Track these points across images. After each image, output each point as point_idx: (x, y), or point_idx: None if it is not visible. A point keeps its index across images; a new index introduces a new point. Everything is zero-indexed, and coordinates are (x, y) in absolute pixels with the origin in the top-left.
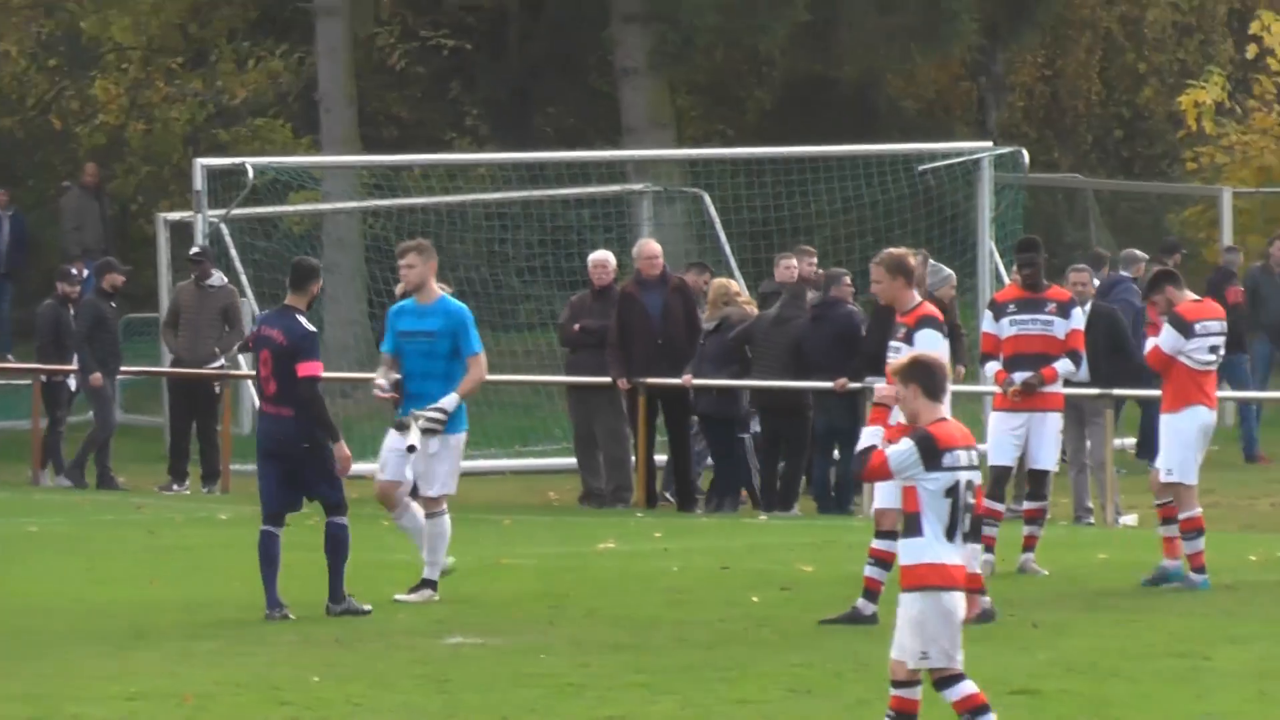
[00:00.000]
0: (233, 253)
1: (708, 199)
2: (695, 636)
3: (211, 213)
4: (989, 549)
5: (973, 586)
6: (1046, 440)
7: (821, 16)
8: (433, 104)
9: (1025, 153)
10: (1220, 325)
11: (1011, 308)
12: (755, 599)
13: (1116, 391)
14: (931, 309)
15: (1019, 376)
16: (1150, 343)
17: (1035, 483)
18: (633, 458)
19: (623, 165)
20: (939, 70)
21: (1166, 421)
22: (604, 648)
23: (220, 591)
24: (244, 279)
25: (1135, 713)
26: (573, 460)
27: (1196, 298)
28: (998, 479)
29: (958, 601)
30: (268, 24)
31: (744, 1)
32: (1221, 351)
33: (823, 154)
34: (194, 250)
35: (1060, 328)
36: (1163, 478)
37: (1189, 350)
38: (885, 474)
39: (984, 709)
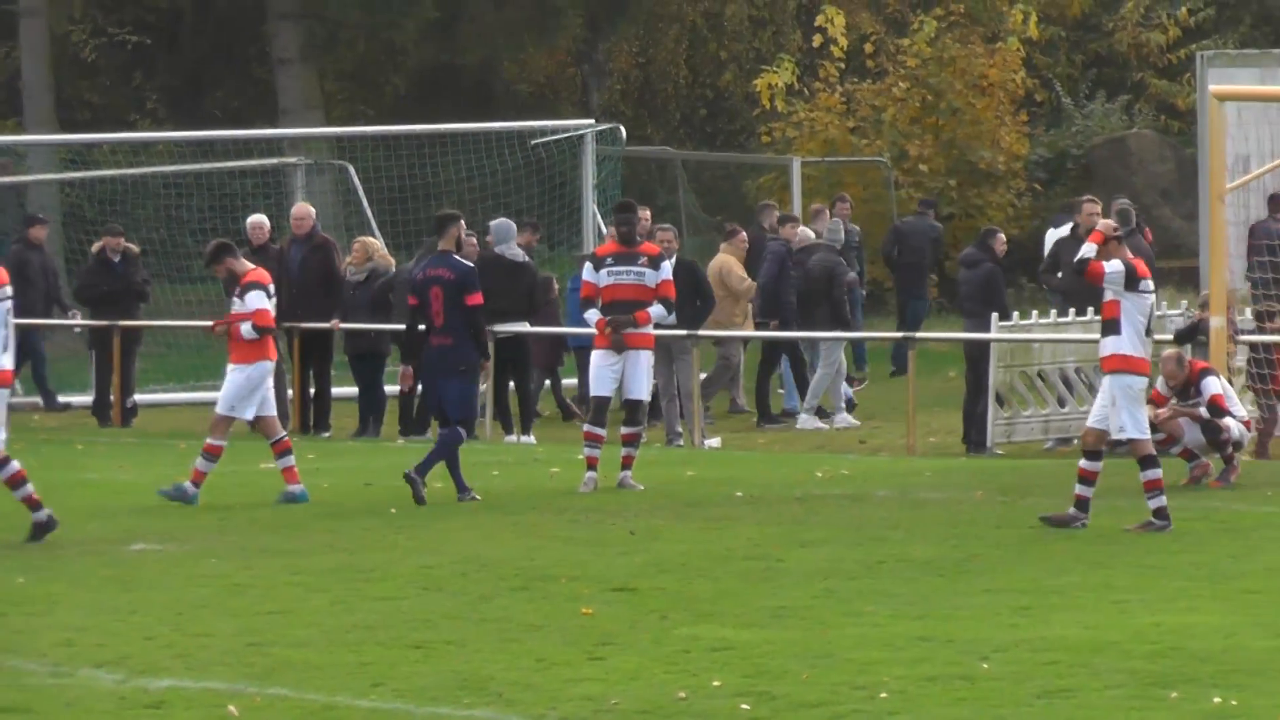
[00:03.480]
0: None
1: (352, 170)
2: (342, 543)
3: None
4: (593, 468)
5: None
6: (640, 374)
7: (448, 12)
8: (119, 90)
9: (623, 129)
10: None
11: (609, 260)
12: (393, 510)
13: (700, 333)
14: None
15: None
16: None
17: (631, 410)
18: (290, 391)
19: (280, 142)
20: (548, 58)
21: None
22: (265, 552)
23: None
24: None
25: (718, 607)
26: None
27: None
28: (598, 408)
29: None
30: None
31: (382, 0)
32: None
33: (450, 131)
34: None
35: (651, 278)
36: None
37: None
38: None
39: None
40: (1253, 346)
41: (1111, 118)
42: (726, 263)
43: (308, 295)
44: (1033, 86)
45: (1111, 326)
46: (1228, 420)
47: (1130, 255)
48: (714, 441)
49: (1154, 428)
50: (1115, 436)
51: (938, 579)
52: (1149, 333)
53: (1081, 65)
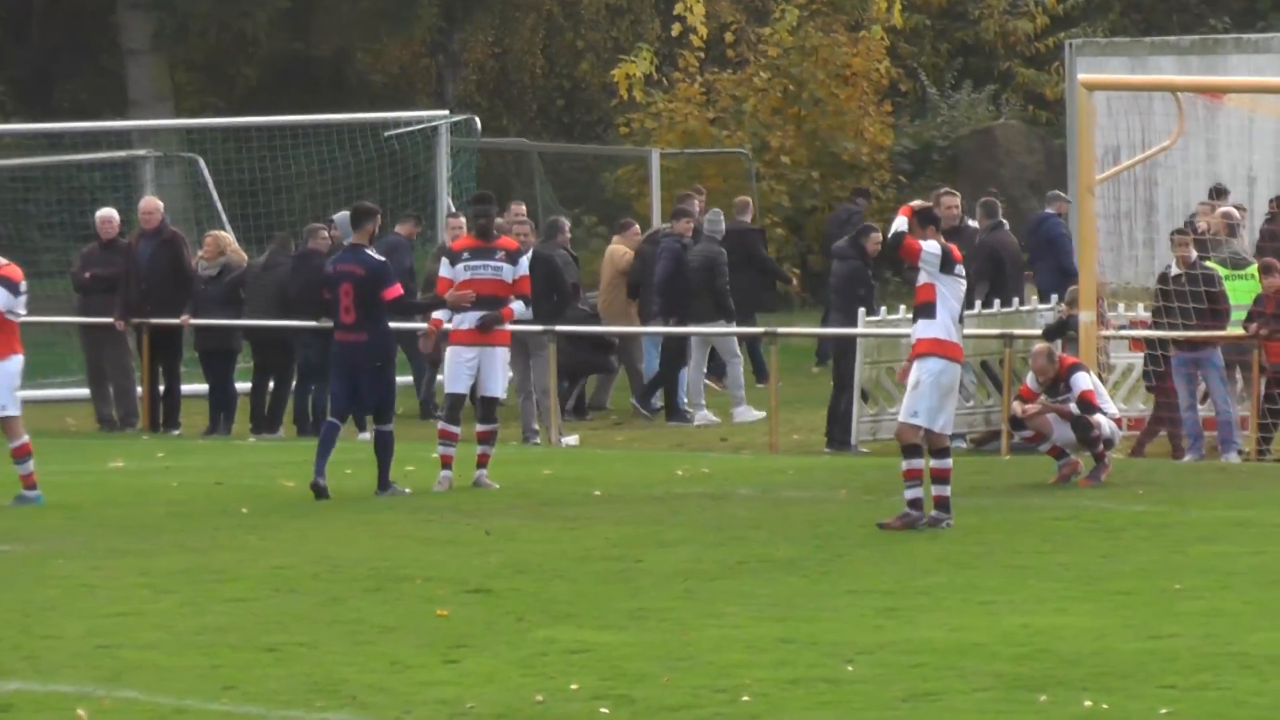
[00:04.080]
0: None
1: (202, 163)
2: (192, 543)
3: None
4: (448, 466)
5: None
6: (496, 371)
7: (300, 2)
8: None
9: (478, 120)
10: None
11: (466, 255)
12: (245, 510)
13: (558, 328)
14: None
15: (476, 315)
16: None
17: (486, 408)
18: (139, 388)
19: (129, 134)
20: (402, 48)
21: None
22: (114, 553)
23: None
24: None
25: (576, 609)
26: (86, 391)
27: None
28: (453, 405)
29: None
30: None
31: None
32: None
33: (302, 122)
34: None
35: (509, 273)
36: None
37: None
38: None
39: None
40: (1149, 344)
41: (978, 108)
42: (618, 251)
43: (157, 290)
44: (897, 76)
45: (926, 310)
46: (1098, 417)
47: (941, 241)
48: (571, 439)
49: (1022, 424)
50: (905, 419)
51: (800, 579)
52: (961, 320)
53: (947, 54)
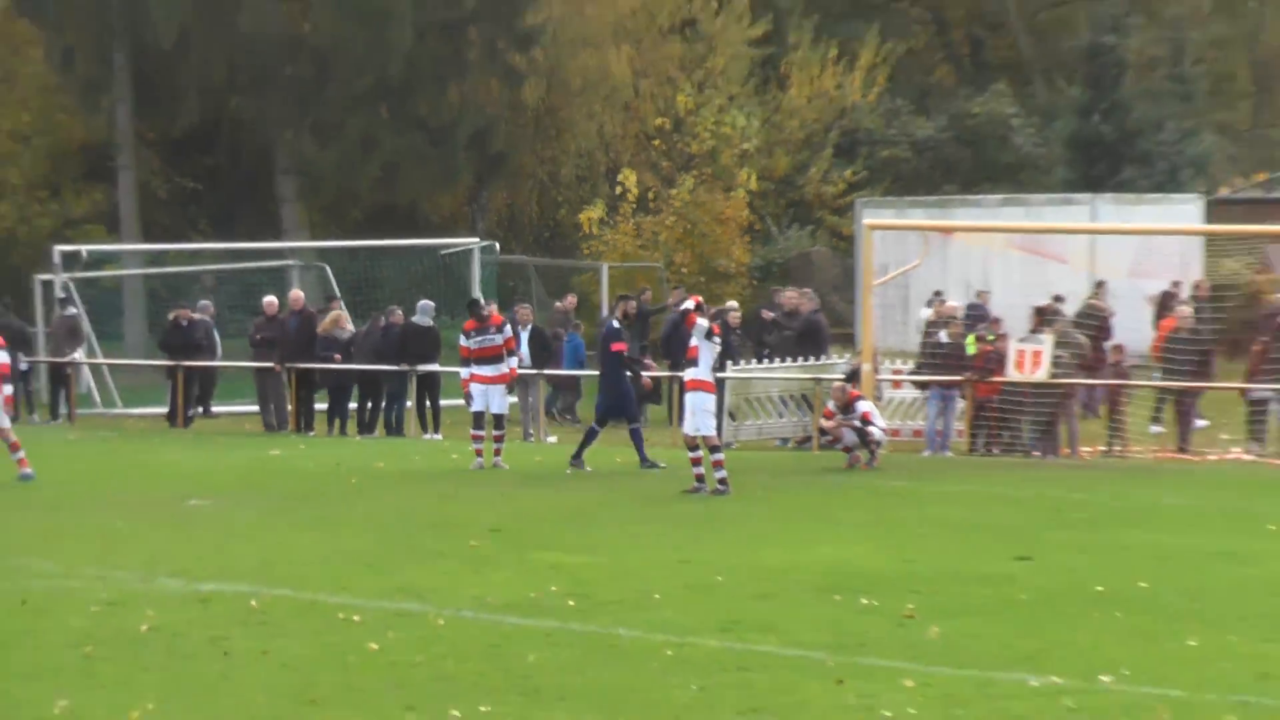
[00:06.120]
0: None
1: (328, 269)
2: (321, 501)
3: None
4: (479, 455)
5: None
6: (498, 398)
7: (388, 170)
8: (181, 216)
9: (497, 245)
10: None
11: (474, 332)
12: (354, 480)
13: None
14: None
15: (493, 369)
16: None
17: (496, 421)
18: (288, 406)
19: (283, 251)
20: (451, 199)
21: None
22: (272, 509)
23: None
24: None
25: (554, 542)
26: (257, 407)
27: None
28: (477, 419)
29: None
30: None
31: (346, 161)
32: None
33: (388, 245)
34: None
35: (500, 338)
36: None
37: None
38: None
39: None
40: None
41: (802, 239)
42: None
43: (300, 347)
44: (753, 219)
45: (693, 362)
46: (872, 429)
47: (709, 320)
48: (553, 439)
49: (825, 432)
50: (690, 433)
51: (692, 526)
52: (715, 369)
53: (784, 206)
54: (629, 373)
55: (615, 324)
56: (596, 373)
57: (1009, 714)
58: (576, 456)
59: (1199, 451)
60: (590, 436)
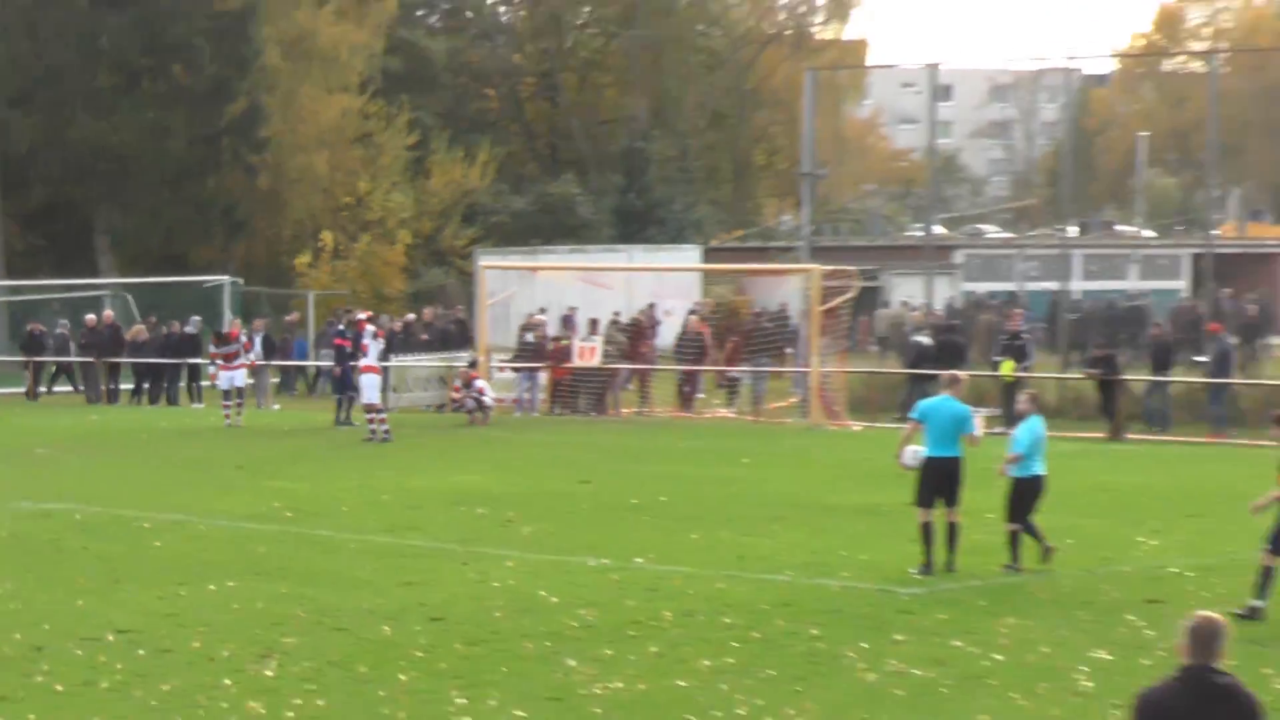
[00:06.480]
0: None
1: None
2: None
3: None
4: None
5: None
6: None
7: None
8: None
9: None
10: None
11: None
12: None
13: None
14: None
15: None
16: None
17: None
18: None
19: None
20: None
21: None
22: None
23: None
24: None
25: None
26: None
27: None
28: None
29: None
30: None
31: None
32: None
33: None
34: None
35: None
36: None
37: None
38: None
39: None
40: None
41: (440, 276)
42: None
43: (110, 349)
44: (408, 263)
45: (365, 354)
46: (485, 399)
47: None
48: (276, 406)
49: (455, 401)
50: (366, 401)
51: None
52: (380, 359)
53: (429, 254)
54: (350, 362)
55: (341, 329)
56: (323, 363)
57: (576, 583)
58: (345, 421)
59: (699, 411)
60: (344, 404)
